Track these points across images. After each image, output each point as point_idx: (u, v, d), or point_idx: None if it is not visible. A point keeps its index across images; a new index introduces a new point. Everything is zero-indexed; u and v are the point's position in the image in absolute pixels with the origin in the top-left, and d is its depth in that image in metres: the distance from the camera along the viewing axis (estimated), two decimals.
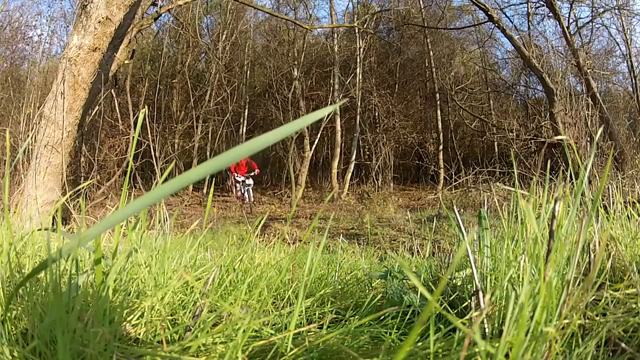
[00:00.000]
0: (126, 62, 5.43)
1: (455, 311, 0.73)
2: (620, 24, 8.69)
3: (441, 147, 11.36)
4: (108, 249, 0.99)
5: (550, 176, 3.61)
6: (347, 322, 0.75)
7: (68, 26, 11.06)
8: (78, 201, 3.88)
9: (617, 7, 8.43)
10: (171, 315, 0.68)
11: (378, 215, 6.66)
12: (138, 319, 0.62)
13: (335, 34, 11.58)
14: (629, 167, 6.00)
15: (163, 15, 6.82)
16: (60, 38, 11.75)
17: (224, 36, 11.92)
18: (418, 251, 2.10)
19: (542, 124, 8.01)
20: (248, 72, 12.78)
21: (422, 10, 11.80)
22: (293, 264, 0.99)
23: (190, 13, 11.01)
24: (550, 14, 8.41)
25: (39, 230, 0.88)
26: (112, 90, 6.25)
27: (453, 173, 8.00)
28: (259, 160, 12.88)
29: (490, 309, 0.58)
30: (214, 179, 7.29)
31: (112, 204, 5.01)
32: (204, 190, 10.74)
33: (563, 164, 5.77)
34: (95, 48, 3.39)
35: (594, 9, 8.57)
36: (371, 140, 11.23)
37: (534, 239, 0.58)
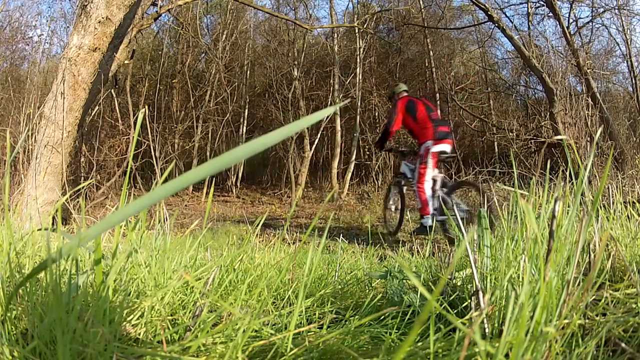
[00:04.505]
0: (126, 62, 5.43)
1: (455, 311, 0.73)
2: (620, 24, 8.69)
3: None
4: (108, 249, 0.99)
5: (550, 176, 3.61)
6: (347, 322, 0.75)
7: (68, 26, 11.07)
8: (78, 201, 3.88)
9: (617, 7, 8.43)
10: (171, 315, 0.68)
11: (378, 215, 6.66)
12: (138, 319, 0.62)
13: (335, 34, 11.57)
14: (629, 167, 6.00)
15: (163, 15, 6.81)
16: (60, 38, 11.76)
17: (224, 36, 11.91)
18: (418, 251, 2.10)
19: (542, 124, 8.00)
20: (248, 72, 12.77)
21: (422, 10, 11.80)
22: (293, 264, 0.99)
23: (190, 13, 11.00)
24: (550, 14, 8.41)
25: (39, 230, 0.88)
26: (112, 90, 6.24)
27: (453, 173, 7.99)
28: (258, 160, 12.87)
29: (490, 309, 0.58)
30: (214, 179, 7.28)
31: (112, 204, 5.01)
32: (204, 190, 10.73)
33: (563, 164, 5.77)
34: (95, 48, 3.39)
35: (594, 9, 8.57)
36: (371, 140, 11.23)
37: (534, 239, 0.58)
